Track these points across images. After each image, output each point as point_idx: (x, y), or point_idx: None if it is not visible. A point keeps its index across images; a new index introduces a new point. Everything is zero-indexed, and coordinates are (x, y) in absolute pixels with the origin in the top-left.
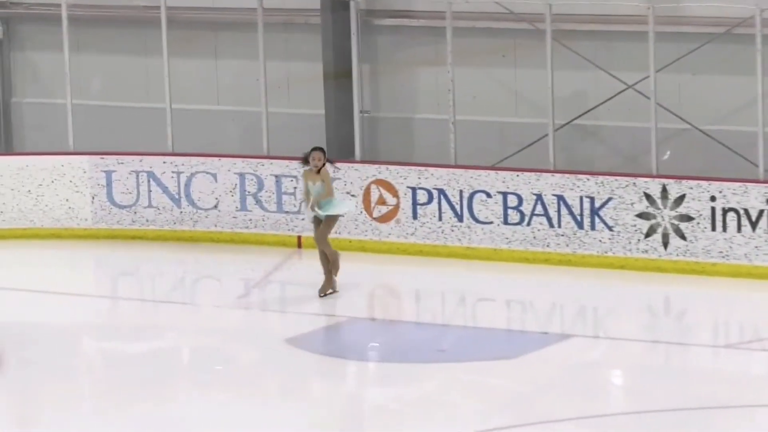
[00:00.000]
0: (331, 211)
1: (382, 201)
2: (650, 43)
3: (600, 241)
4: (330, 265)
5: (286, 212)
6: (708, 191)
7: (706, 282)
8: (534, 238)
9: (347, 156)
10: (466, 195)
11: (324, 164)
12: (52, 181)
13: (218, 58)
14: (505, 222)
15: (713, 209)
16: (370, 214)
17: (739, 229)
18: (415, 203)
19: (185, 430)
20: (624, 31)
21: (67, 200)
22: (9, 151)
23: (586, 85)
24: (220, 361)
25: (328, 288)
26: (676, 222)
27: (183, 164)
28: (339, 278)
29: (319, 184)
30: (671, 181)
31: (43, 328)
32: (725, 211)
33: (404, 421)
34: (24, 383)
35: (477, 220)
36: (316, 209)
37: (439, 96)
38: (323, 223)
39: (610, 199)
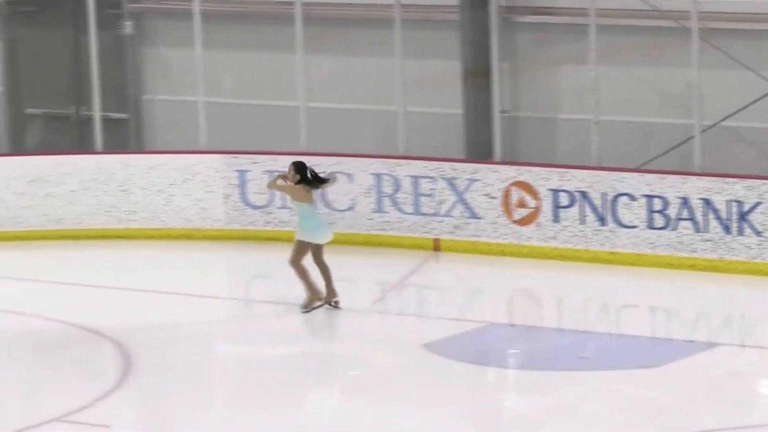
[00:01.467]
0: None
1: (522, 204)
2: None
3: (748, 246)
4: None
5: (423, 214)
6: None
7: None
8: (679, 243)
9: (486, 157)
10: (609, 198)
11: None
12: (184, 181)
13: (353, 55)
14: (650, 226)
15: None
16: (510, 218)
17: None
18: (556, 206)
19: None
20: None
21: (199, 200)
22: (140, 149)
23: (734, 85)
24: (355, 367)
25: (312, 302)
26: None
27: (318, 164)
28: (473, 282)
29: (295, 205)
30: None
31: (174, 331)
32: None
33: (544, 430)
34: (155, 388)
35: (621, 224)
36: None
37: (581, 95)
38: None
39: (759, 203)
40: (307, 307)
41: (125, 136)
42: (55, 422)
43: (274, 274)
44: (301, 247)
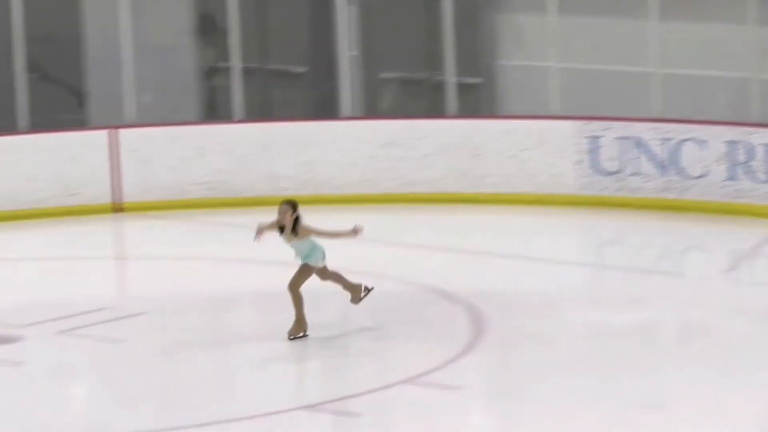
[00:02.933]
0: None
1: None
2: None
3: None
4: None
5: None
6: None
7: None
8: None
9: None
10: None
11: (296, 220)
12: (537, 146)
13: (708, 21)
14: None
15: None
16: None
17: None
18: None
19: (667, 404)
20: None
21: (551, 165)
22: (493, 114)
23: None
24: (705, 336)
25: (299, 331)
26: None
27: (671, 131)
28: None
29: (297, 242)
30: None
31: (525, 296)
32: None
33: None
34: (507, 353)
35: None
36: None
37: None
38: (298, 270)
39: None
40: (294, 335)
41: (478, 101)
42: (405, 383)
43: (626, 241)
44: (307, 272)
